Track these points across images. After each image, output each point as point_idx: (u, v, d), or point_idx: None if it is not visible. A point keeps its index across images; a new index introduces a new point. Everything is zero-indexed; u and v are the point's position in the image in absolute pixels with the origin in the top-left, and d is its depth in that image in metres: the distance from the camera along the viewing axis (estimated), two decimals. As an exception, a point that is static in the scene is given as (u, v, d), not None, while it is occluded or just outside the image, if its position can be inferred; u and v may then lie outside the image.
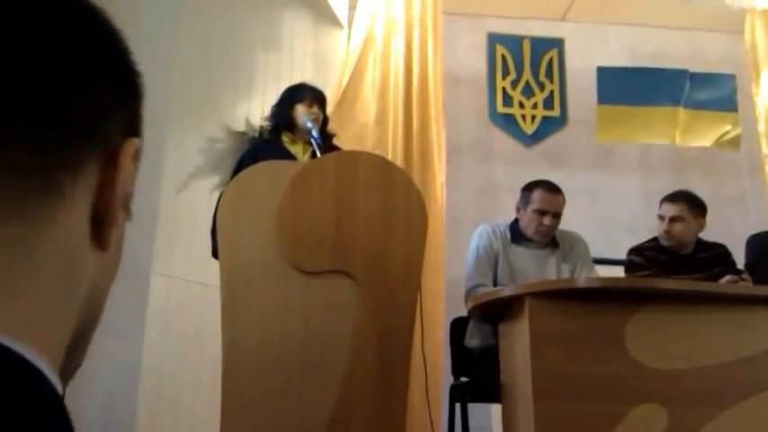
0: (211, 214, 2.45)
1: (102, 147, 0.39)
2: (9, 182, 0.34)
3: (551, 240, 2.77)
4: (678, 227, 2.85)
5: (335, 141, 2.87)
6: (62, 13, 0.38)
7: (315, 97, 2.79)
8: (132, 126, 0.42)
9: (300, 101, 2.77)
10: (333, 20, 4.05)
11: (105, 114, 0.39)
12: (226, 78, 3.21)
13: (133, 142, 0.41)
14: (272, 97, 3.08)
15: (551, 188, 2.76)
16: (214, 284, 2.26)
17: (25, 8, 0.36)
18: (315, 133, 2.59)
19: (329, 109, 3.19)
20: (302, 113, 2.73)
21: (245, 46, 3.37)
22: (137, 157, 0.41)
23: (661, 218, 2.90)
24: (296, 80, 3.34)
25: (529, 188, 2.79)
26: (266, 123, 3.00)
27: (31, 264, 0.35)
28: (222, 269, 2.05)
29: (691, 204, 2.87)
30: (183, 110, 2.92)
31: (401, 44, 4.09)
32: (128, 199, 0.42)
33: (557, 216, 2.72)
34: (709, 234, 2.97)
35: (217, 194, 2.59)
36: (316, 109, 2.76)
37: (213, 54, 3.14)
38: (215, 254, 2.38)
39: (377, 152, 3.36)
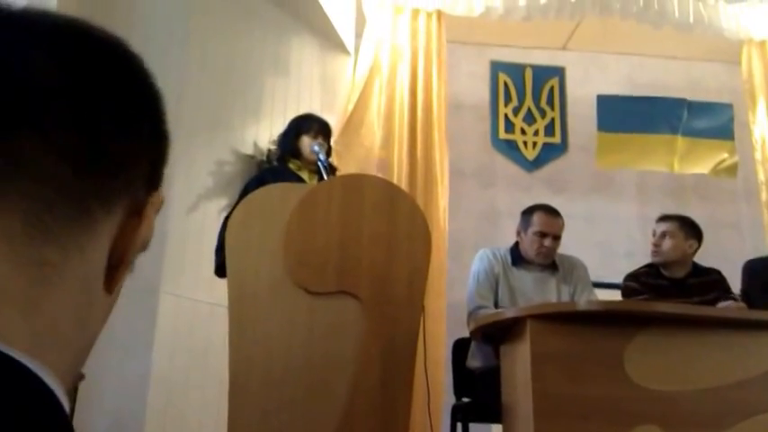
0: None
1: (129, 192, 0.40)
2: (46, 197, 0.35)
3: (551, 263, 2.82)
4: (667, 243, 2.89)
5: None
6: (126, 68, 0.42)
7: (321, 129, 2.83)
8: (154, 181, 0.44)
9: (306, 132, 2.81)
10: (340, 47, 4.13)
11: (135, 161, 0.41)
12: (235, 102, 3.29)
13: (160, 196, 0.43)
14: (280, 121, 3.15)
15: (551, 211, 2.82)
16: (221, 304, 2.30)
17: (105, 56, 0.40)
18: (322, 156, 2.65)
19: (335, 133, 3.25)
20: (308, 143, 2.79)
21: (254, 71, 3.45)
22: (158, 210, 0.43)
23: (653, 234, 2.96)
24: (303, 105, 3.42)
25: (529, 211, 2.85)
26: (273, 147, 3.06)
27: (54, 287, 0.35)
28: (230, 288, 2.09)
29: (682, 223, 2.93)
30: (192, 133, 2.99)
31: (406, 71, 4.17)
32: (145, 249, 0.42)
33: (556, 238, 2.78)
34: (704, 259, 3.02)
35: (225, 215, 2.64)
36: (321, 140, 2.82)
37: (222, 79, 3.22)
38: (218, 272, 2.42)
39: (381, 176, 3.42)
